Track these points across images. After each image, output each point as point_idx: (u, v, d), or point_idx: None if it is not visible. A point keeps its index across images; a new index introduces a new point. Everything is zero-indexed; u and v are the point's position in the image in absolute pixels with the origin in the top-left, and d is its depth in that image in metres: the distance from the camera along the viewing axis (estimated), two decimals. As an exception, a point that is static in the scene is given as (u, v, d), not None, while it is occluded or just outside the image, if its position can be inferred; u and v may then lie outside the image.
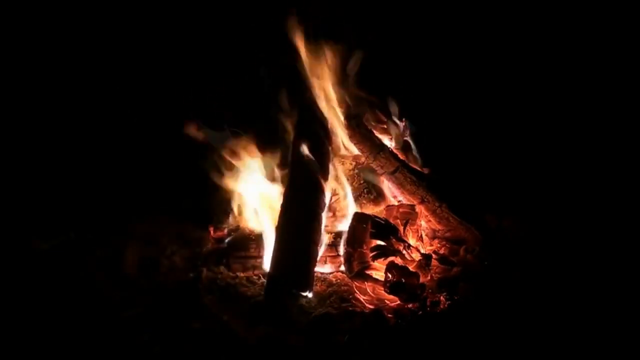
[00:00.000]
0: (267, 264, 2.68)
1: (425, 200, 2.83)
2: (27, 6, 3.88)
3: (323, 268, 2.72)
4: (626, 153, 3.43)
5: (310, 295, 2.45)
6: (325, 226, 2.80)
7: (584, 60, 4.01)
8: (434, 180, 2.91)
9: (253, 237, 2.86)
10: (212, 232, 3.03)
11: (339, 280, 2.62)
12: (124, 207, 3.23)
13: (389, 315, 2.25)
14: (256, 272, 2.73)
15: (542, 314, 2.13)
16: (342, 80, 3.09)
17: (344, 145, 3.16)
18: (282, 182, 3.00)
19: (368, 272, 2.49)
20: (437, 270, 2.61)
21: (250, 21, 3.83)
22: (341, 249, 2.69)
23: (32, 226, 2.95)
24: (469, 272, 2.52)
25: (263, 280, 2.64)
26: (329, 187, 2.90)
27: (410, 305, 2.29)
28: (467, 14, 4.14)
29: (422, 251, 2.67)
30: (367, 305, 2.38)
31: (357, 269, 2.49)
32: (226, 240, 2.94)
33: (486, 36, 4.11)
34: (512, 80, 4.05)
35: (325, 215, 2.79)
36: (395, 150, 3.10)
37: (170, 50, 4.02)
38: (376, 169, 2.94)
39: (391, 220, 2.71)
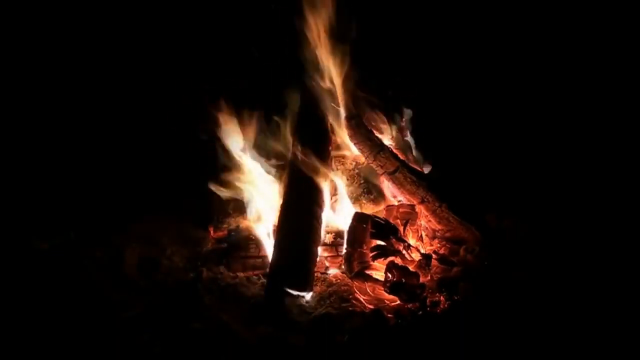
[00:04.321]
0: (267, 264, 2.68)
1: (425, 200, 2.83)
2: (27, 6, 3.88)
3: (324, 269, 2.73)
4: (626, 153, 3.43)
5: (310, 295, 2.45)
6: (325, 226, 2.81)
7: (584, 60, 4.01)
8: (434, 180, 2.91)
9: (253, 237, 2.86)
10: (212, 232, 3.03)
11: (339, 280, 2.62)
12: (124, 207, 3.23)
13: (389, 315, 2.25)
14: (256, 272, 2.73)
15: (542, 314, 2.12)
16: (343, 80, 3.09)
17: (344, 145, 3.16)
18: (282, 181, 3.00)
19: (368, 272, 2.49)
20: (437, 270, 2.61)
21: (253, 17, 3.82)
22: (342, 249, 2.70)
23: (32, 226, 2.95)
24: (469, 272, 2.51)
25: (263, 280, 2.64)
26: (328, 187, 2.90)
27: (410, 305, 2.29)
28: (468, 14, 4.14)
29: (422, 251, 2.68)
30: (367, 305, 2.38)
31: (357, 269, 2.49)
32: (226, 240, 2.94)
33: (486, 36, 4.11)
34: (512, 80, 4.05)
35: (325, 215, 2.79)
36: (395, 150, 3.10)
37: (171, 50, 4.02)
38: (376, 169, 2.94)
39: (391, 220, 2.71)
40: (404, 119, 3.39)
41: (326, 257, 2.75)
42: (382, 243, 2.53)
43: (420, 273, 2.40)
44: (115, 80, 4.00)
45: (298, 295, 2.41)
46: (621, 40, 3.90)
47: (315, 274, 2.58)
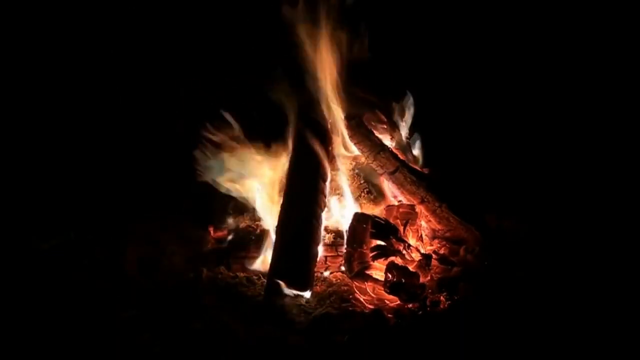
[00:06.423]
0: (267, 263, 2.68)
1: (425, 200, 2.83)
2: (27, 6, 3.88)
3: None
4: (626, 153, 3.43)
5: (310, 295, 2.45)
6: (325, 226, 2.81)
7: (584, 60, 4.01)
8: (434, 180, 2.91)
9: (253, 237, 2.86)
10: (212, 232, 3.03)
11: (339, 280, 2.62)
12: (124, 207, 3.23)
13: (389, 315, 2.25)
14: (256, 272, 2.73)
15: (542, 314, 2.13)
16: (343, 80, 3.09)
17: (344, 145, 3.16)
18: (282, 182, 3.00)
19: (368, 272, 2.49)
20: (437, 270, 2.61)
21: (254, 18, 3.82)
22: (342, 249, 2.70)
23: (32, 226, 2.95)
24: (469, 272, 2.51)
25: (263, 280, 2.64)
26: (328, 187, 2.90)
27: (410, 305, 2.29)
28: (467, 14, 4.14)
29: (422, 251, 2.67)
30: (367, 305, 2.38)
31: (357, 269, 2.49)
32: (226, 240, 2.95)
33: (486, 36, 4.12)
34: (512, 80, 4.05)
35: (325, 215, 2.79)
36: (395, 150, 3.10)
37: (172, 50, 4.02)
38: (376, 169, 2.94)
39: (391, 220, 2.71)
40: (404, 120, 3.39)
41: (326, 257, 2.75)
42: (382, 243, 2.53)
43: (420, 273, 2.40)
44: (115, 80, 4.00)
45: (298, 296, 2.41)
46: (621, 40, 3.90)
47: (315, 274, 2.58)
